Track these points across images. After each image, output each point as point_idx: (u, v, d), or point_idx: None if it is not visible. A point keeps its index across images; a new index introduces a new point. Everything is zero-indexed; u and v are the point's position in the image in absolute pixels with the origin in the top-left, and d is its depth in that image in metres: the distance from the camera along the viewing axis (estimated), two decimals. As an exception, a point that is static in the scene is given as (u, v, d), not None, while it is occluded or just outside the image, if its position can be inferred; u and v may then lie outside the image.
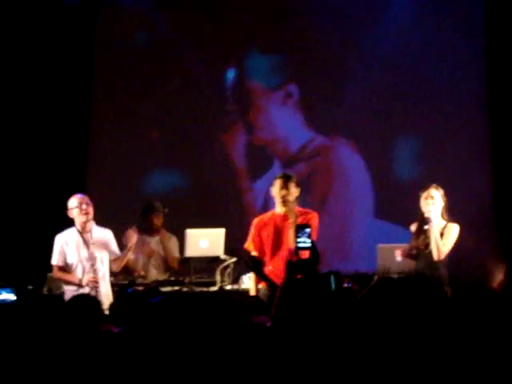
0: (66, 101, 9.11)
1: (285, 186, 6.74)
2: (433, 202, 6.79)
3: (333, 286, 5.55)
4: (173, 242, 7.98)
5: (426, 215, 6.79)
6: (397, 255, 6.97)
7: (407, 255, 6.90)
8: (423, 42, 9.12)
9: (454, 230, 6.81)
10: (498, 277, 7.22)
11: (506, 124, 8.90)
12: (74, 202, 7.03)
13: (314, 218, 6.74)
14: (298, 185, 6.80)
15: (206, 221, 8.06)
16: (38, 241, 8.63)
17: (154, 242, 7.97)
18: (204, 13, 9.28)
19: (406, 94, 9.12)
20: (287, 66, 9.34)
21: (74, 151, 9.11)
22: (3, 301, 6.60)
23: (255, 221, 6.86)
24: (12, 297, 6.79)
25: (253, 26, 9.28)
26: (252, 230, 6.81)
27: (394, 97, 9.15)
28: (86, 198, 7.07)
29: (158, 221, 7.98)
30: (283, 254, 6.61)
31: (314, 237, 6.48)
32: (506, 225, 8.77)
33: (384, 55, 9.12)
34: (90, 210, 7.01)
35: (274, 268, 6.63)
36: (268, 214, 6.90)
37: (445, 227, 6.81)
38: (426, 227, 6.75)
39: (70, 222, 7.12)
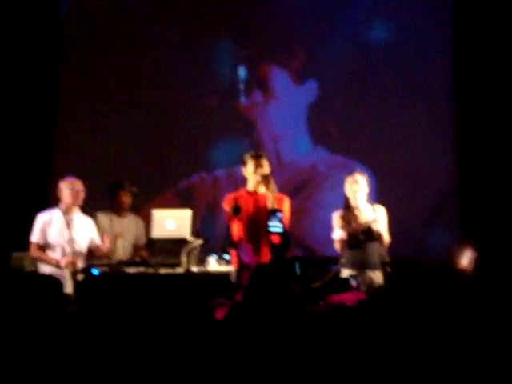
0: (33, 81, 9.02)
1: (262, 164, 6.72)
2: (359, 188, 6.86)
3: (297, 271, 5.59)
4: (140, 228, 7.94)
5: (355, 201, 6.83)
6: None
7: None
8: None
9: (382, 213, 6.91)
10: (464, 261, 7.28)
11: (471, 106, 8.96)
12: (64, 183, 7.10)
13: (287, 202, 6.74)
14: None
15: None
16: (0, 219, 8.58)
17: (122, 223, 7.92)
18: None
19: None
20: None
21: (40, 130, 9.04)
22: None
23: (228, 199, 6.80)
24: None
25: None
26: (226, 208, 6.75)
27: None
28: (78, 183, 7.13)
29: (126, 199, 7.93)
30: (262, 236, 6.56)
31: (288, 221, 6.49)
32: (469, 208, 8.85)
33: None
34: (80, 195, 7.07)
35: (252, 249, 6.60)
36: (242, 192, 6.84)
37: (374, 210, 6.87)
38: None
39: (30, 203, 7.14)
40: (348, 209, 6.92)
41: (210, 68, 9.30)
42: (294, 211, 6.99)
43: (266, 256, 6.53)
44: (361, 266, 6.78)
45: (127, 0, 9.34)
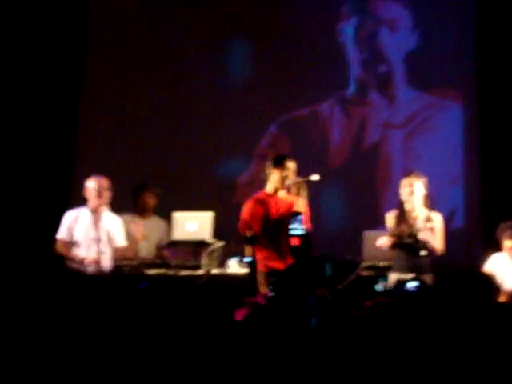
0: (56, 80, 9.04)
1: (286, 166, 6.67)
2: (413, 190, 6.75)
3: (328, 271, 5.57)
4: (164, 230, 7.93)
5: (411, 204, 6.75)
6: (378, 243, 6.88)
7: (391, 246, 6.84)
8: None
9: (439, 221, 6.79)
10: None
11: (496, 112, 8.89)
12: (91, 182, 7.12)
13: (303, 205, 6.67)
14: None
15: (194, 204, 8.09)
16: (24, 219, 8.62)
17: (145, 224, 7.93)
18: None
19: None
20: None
21: (63, 131, 9.06)
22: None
23: (249, 203, 6.78)
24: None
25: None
26: (246, 210, 6.73)
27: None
28: (105, 182, 7.14)
29: (150, 200, 7.94)
30: (281, 237, 6.52)
31: (307, 223, 6.45)
32: (493, 214, 8.77)
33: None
34: (106, 194, 7.09)
35: (269, 251, 6.57)
36: (262, 195, 6.81)
37: (428, 218, 6.77)
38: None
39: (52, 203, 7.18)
40: (401, 211, 6.83)
41: (229, 68, 9.29)
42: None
43: (287, 258, 6.50)
44: (410, 269, 6.64)
45: (149, 4, 9.33)
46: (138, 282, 3.58)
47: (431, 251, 6.71)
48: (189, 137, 9.22)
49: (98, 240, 7.10)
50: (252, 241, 6.54)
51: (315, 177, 6.52)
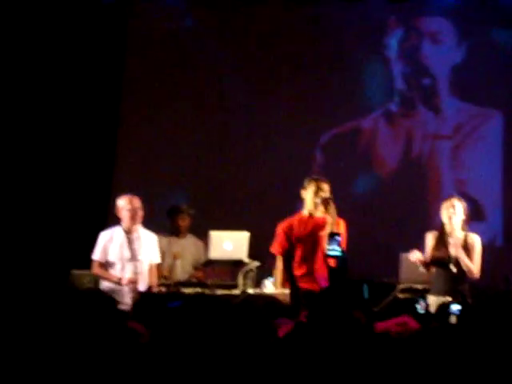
0: (95, 100, 9.12)
1: (323, 188, 6.69)
2: (454, 212, 6.75)
3: (365, 294, 5.53)
4: (199, 249, 7.96)
5: (450, 226, 6.73)
6: (411, 258, 6.83)
7: (424, 264, 6.80)
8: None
9: (478, 243, 6.77)
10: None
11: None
12: (123, 202, 7.10)
13: (343, 225, 6.69)
14: None
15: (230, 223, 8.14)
16: (61, 237, 8.67)
17: (180, 243, 7.96)
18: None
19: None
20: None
21: (102, 149, 9.12)
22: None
23: (283, 224, 6.80)
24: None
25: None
26: (280, 233, 6.75)
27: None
28: (137, 201, 7.10)
29: (183, 222, 7.98)
30: (318, 259, 6.53)
31: (344, 244, 6.45)
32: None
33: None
34: (139, 213, 7.06)
35: (302, 272, 6.57)
36: (296, 217, 6.82)
37: (467, 239, 6.75)
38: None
39: (91, 222, 7.18)
40: (442, 232, 6.81)
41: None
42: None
43: (322, 280, 6.50)
44: (448, 293, 6.60)
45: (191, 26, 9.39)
46: (172, 300, 3.58)
47: (468, 272, 6.66)
48: (229, 157, 9.26)
49: (133, 260, 7.08)
50: (288, 260, 6.55)
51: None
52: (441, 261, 6.72)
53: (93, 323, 3.35)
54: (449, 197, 6.94)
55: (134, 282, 6.98)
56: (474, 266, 6.68)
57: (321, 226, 6.66)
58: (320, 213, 6.72)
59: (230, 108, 9.30)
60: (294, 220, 6.81)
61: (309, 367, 3.11)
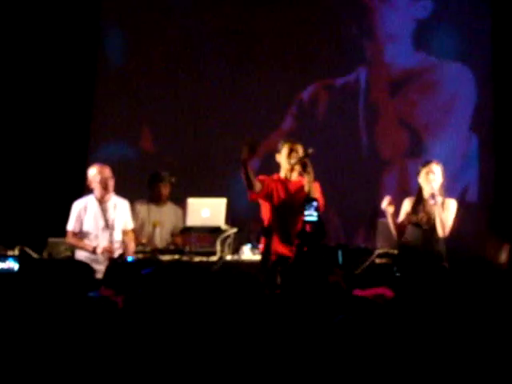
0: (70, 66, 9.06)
1: (297, 149, 6.64)
2: (434, 178, 6.76)
3: (340, 259, 5.55)
4: (178, 216, 7.96)
5: (430, 191, 6.74)
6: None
7: (400, 228, 6.82)
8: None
9: (452, 205, 6.80)
10: (502, 256, 7.18)
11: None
12: (93, 171, 7.11)
13: (318, 188, 6.65)
14: None
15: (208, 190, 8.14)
16: (38, 205, 8.64)
17: (160, 211, 7.94)
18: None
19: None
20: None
21: (77, 116, 9.07)
22: (7, 270, 6.61)
23: (267, 177, 6.74)
24: (16, 266, 6.80)
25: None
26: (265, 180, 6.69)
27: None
28: (107, 171, 7.11)
29: (165, 190, 7.96)
30: (296, 224, 6.48)
31: (322, 206, 6.43)
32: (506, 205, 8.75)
33: None
34: (110, 183, 7.06)
35: (278, 236, 6.54)
36: (274, 177, 6.78)
37: (443, 203, 6.78)
38: (431, 202, 6.69)
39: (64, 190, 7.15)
40: (419, 197, 6.82)
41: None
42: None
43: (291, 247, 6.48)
44: (423, 249, 6.66)
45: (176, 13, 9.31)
46: (146, 267, 3.56)
47: (441, 229, 6.71)
48: (205, 120, 9.23)
49: (107, 228, 7.08)
50: (268, 232, 6.50)
51: (310, 150, 6.51)
52: (418, 223, 6.74)
53: (69, 292, 3.34)
54: (427, 162, 6.91)
55: (109, 251, 6.98)
56: (447, 224, 6.72)
57: (298, 189, 6.62)
58: (296, 175, 6.67)
59: (208, 75, 9.24)
60: (272, 179, 6.71)
61: (287, 334, 3.11)
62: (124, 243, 7.18)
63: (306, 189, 6.47)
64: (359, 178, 9.02)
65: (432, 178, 6.75)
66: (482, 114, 8.98)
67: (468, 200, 8.86)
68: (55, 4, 9.06)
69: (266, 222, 6.60)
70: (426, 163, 6.86)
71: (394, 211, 6.72)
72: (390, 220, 6.75)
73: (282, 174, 6.71)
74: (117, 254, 7.05)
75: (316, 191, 6.53)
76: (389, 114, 9.15)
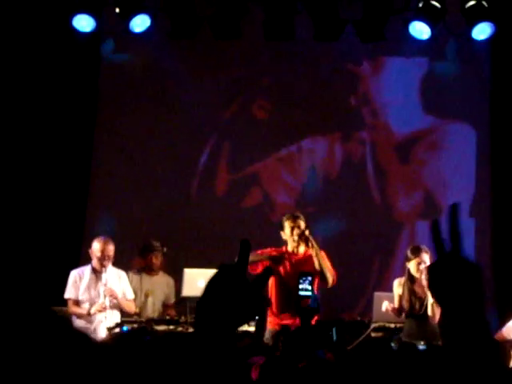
0: (69, 136, 9.08)
1: (299, 225, 6.70)
2: (425, 266, 6.81)
3: (334, 336, 5.51)
4: (170, 287, 7.94)
5: (424, 279, 6.77)
6: (383, 306, 6.93)
7: (396, 312, 6.94)
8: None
9: None
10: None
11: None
12: (97, 246, 7.18)
13: (324, 257, 6.72)
14: None
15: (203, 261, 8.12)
16: (40, 275, 8.59)
17: (152, 281, 7.91)
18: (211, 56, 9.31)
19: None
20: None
21: (75, 186, 9.07)
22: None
23: (268, 250, 6.78)
24: None
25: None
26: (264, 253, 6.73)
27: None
28: (110, 249, 7.17)
29: (156, 260, 7.95)
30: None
31: (332, 272, 6.51)
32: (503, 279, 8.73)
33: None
34: (110, 260, 7.16)
35: (287, 308, 6.55)
36: (279, 251, 6.82)
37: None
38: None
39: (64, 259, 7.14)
40: (410, 280, 6.91)
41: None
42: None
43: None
44: (420, 337, 6.67)
45: (159, 59, 9.38)
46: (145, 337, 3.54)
47: (432, 317, 6.77)
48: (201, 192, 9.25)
49: (100, 297, 7.11)
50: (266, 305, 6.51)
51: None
52: (411, 312, 6.82)
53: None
54: (416, 249, 6.93)
55: (103, 308, 7.03)
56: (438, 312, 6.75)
57: (304, 261, 6.71)
58: (303, 248, 6.76)
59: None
60: (278, 251, 6.78)
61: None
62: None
63: (315, 262, 6.53)
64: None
65: (423, 267, 6.82)
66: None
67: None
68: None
69: (270, 293, 6.65)
70: (416, 251, 6.90)
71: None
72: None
73: (289, 248, 6.78)
74: (109, 313, 7.06)
75: (326, 261, 6.61)
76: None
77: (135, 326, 7.12)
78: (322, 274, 6.58)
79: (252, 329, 7.06)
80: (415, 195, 9.16)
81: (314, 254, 6.62)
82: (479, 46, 8.81)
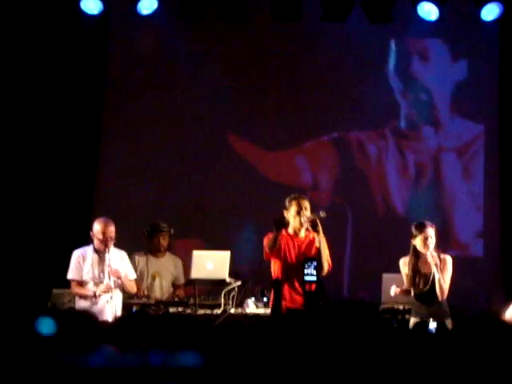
0: (76, 122, 9.08)
1: (306, 206, 6.71)
2: (432, 242, 6.78)
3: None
4: (178, 267, 7.96)
5: (430, 255, 6.75)
6: (392, 291, 6.91)
7: (404, 293, 6.91)
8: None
9: (449, 264, 6.81)
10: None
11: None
12: (97, 228, 7.14)
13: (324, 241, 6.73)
14: None
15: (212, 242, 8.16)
16: (43, 256, 8.62)
17: (159, 262, 7.94)
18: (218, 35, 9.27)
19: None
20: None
21: (83, 169, 9.08)
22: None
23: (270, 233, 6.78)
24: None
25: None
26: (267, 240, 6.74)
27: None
28: (111, 230, 7.13)
29: (164, 241, 7.96)
30: (298, 278, 6.53)
31: (329, 265, 6.51)
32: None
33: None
34: (111, 241, 7.12)
35: (292, 291, 6.57)
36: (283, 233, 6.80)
37: (440, 260, 6.77)
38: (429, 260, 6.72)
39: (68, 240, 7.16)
40: (415, 257, 6.84)
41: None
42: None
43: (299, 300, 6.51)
44: (429, 315, 6.65)
45: (166, 41, 9.35)
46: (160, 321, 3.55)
47: (440, 294, 6.74)
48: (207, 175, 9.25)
49: (104, 279, 7.11)
50: (278, 284, 6.53)
51: (323, 214, 6.61)
52: (417, 291, 6.79)
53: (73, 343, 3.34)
54: (421, 225, 6.88)
55: (108, 289, 7.02)
56: (444, 287, 6.73)
57: (307, 245, 6.69)
58: (304, 231, 6.73)
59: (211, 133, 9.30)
60: (281, 235, 6.75)
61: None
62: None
63: (320, 246, 6.54)
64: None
65: (430, 242, 6.78)
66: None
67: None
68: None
69: (274, 276, 6.65)
70: (421, 227, 6.84)
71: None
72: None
73: (291, 230, 6.75)
74: (115, 294, 7.07)
75: (326, 249, 6.61)
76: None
77: (143, 307, 7.16)
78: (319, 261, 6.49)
79: (260, 311, 7.13)
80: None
81: (318, 240, 6.60)
82: (487, 26, 8.78)
